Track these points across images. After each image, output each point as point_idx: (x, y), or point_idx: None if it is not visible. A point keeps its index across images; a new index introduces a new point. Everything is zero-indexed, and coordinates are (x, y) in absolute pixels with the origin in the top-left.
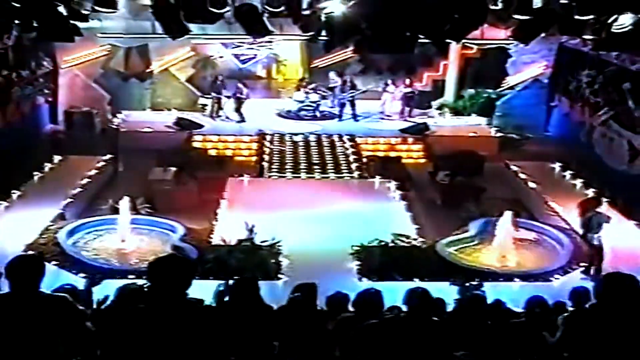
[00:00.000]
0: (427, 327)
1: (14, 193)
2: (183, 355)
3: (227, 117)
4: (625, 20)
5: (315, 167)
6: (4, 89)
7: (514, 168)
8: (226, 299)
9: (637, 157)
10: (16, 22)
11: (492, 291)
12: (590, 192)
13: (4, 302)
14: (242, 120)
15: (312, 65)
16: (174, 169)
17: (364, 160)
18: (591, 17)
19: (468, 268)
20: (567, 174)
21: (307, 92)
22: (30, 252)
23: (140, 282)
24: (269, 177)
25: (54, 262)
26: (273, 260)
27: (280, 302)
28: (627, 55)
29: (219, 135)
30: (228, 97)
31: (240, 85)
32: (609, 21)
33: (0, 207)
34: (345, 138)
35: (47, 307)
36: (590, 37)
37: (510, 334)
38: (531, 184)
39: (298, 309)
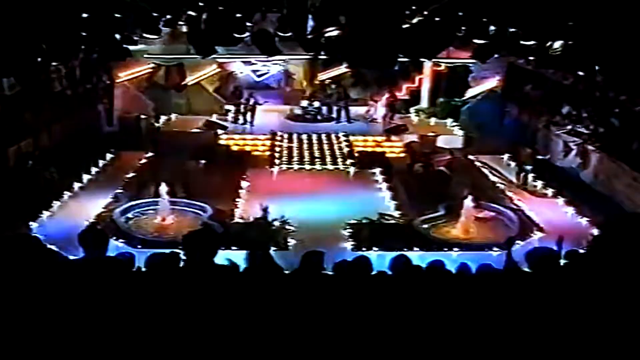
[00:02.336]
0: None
1: (80, 181)
2: (212, 311)
3: (247, 121)
4: (558, 46)
5: (317, 160)
6: (73, 99)
7: (475, 160)
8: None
9: (569, 153)
10: (82, 46)
11: (457, 258)
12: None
13: (80, 266)
14: (252, 123)
15: (314, 79)
16: (204, 161)
17: (356, 154)
18: (533, 42)
19: (438, 240)
20: (516, 165)
21: (310, 100)
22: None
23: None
24: (280, 168)
25: (110, 235)
26: (283, 234)
27: (289, 266)
28: (560, 73)
29: (239, 134)
30: (245, 104)
31: (249, 94)
32: (547, 46)
33: (70, 191)
34: (341, 137)
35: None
36: (533, 57)
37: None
38: (488, 173)
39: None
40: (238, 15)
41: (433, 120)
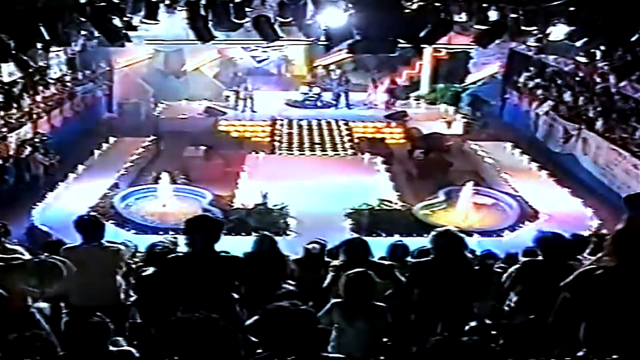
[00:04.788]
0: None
1: (80, 167)
2: (214, 293)
3: (244, 106)
4: (559, 32)
5: (317, 145)
6: (72, 86)
7: (475, 147)
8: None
9: (569, 140)
10: (82, 32)
11: None
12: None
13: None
14: (252, 109)
15: (314, 64)
16: (203, 147)
17: (356, 140)
18: (534, 28)
19: (437, 226)
20: (517, 151)
21: (310, 86)
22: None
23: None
24: (280, 154)
25: (110, 221)
26: (283, 220)
27: (289, 253)
28: (562, 59)
29: (239, 120)
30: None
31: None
32: (547, 32)
33: (70, 177)
34: (340, 123)
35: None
36: (534, 44)
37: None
38: (488, 160)
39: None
40: (237, 0)
41: (433, 107)
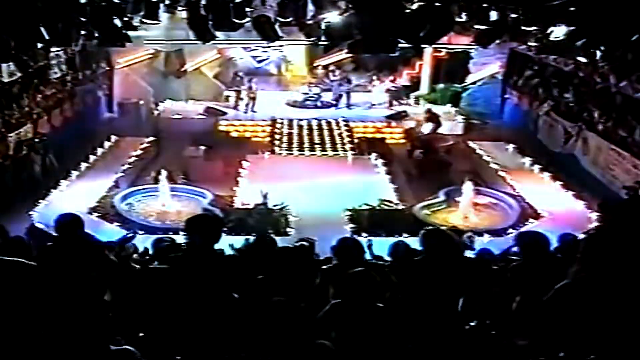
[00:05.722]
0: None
1: (80, 166)
2: (214, 294)
3: (246, 106)
4: (559, 32)
5: (317, 146)
6: (73, 86)
7: (475, 147)
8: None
9: (570, 140)
10: (82, 32)
11: None
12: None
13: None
14: (252, 110)
15: (314, 65)
16: (204, 147)
17: (356, 140)
18: (534, 28)
19: (437, 226)
20: (516, 151)
21: (310, 86)
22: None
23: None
24: (280, 154)
25: (110, 221)
26: (283, 220)
27: None
28: (562, 59)
29: (239, 120)
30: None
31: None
32: (548, 32)
33: (70, 177)
34: (341, 123)
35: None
36: (534, 44)
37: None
38: (488, 160)
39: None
40: (237, 0)
41: (433, 107)
